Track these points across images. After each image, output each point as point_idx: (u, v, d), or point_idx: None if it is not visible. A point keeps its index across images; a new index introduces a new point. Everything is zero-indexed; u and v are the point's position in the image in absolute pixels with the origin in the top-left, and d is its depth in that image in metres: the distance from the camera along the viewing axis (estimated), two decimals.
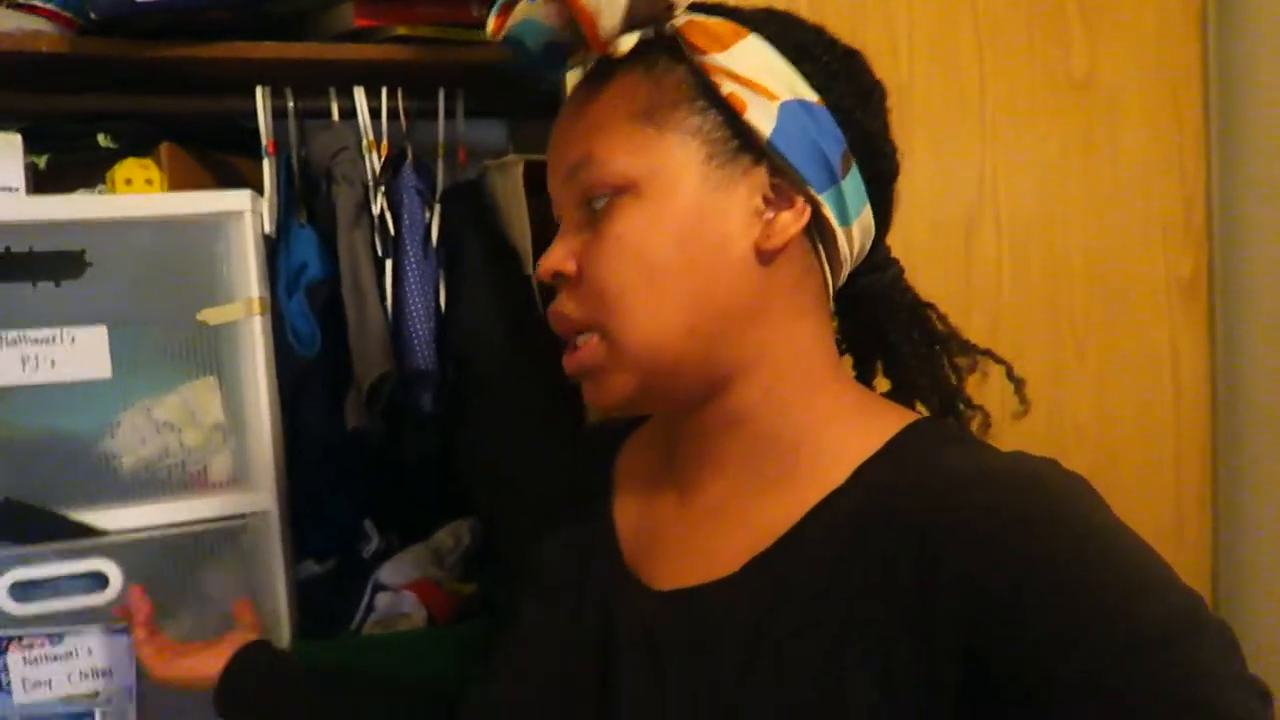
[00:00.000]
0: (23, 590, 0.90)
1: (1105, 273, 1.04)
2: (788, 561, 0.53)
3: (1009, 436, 0.58)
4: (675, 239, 0.54)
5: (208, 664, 0.83)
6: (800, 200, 0.55)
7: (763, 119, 0.53)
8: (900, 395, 0.65)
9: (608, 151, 0.55)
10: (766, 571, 0.53)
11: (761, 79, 0.54)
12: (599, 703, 0.56)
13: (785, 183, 0.55)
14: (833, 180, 0.55)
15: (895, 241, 0.64)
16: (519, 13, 0.57)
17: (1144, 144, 1.04)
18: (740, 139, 0.54)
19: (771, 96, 0.54)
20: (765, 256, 0.55)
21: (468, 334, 1.05)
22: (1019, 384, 0.65)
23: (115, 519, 0.93)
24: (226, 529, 0.98)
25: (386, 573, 1.09)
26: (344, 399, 1.03)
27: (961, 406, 0.65)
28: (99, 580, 0.92)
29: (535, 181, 1.06)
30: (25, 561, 0.90)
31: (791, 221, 0.54)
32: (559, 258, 0.57)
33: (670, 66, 0.55)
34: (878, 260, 0.63)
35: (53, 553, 0.91)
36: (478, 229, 1.11)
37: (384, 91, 1.09)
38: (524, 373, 1.07)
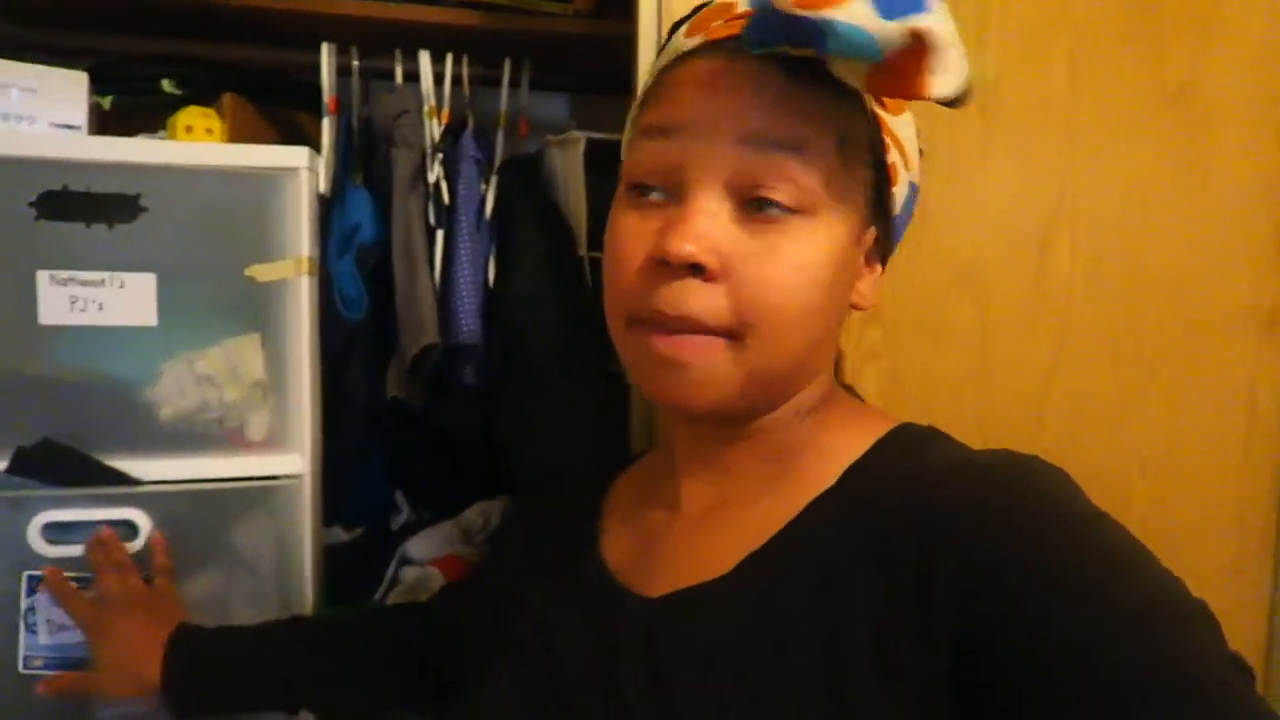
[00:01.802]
0: (54, 532, 0.89)
1: (1185, 297, 0.99)
2: (781, 558, 0.53)
3: (1069, 459, 0.55)
4: (830, 274, 0.53)
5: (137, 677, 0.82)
6: (880, 268, 0.59)
7: (899, 196, 0.57)
8: None
9: (816, 160, 0.51)
10: (761, 569, 0.53)
11: (910, 154, 0.57)
12: (602, 711, 0.55)
13: (877, 250, 0.58)
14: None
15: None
16: (854, 14, 0.45)
17: (1240, 163, 0.98)
18: (879, 203, 0.56)
19: (908, 172, 0.57)
20: (855, 307, 0.59)
21: (516, 310, 1.03)
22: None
23: (150, 469, 0.92)
24: (259, 488, 0.97)
25: (414, 546, 1.07)
26: (387, 366, 1.02)
27: None
28: (129, 528, 0.91)
29: (596, 160, 1.04)
30: (58, 503, 0.89)
31: (878, 286, 0.59)
32: (704, 247, 0.50)
33: (859, 108, 0.54)
34: None
35: (86, 498, 0.90)
36: (533, 204, 1.09)
37: (449, 57, 1.07)
38: (570, 354, 1.05)
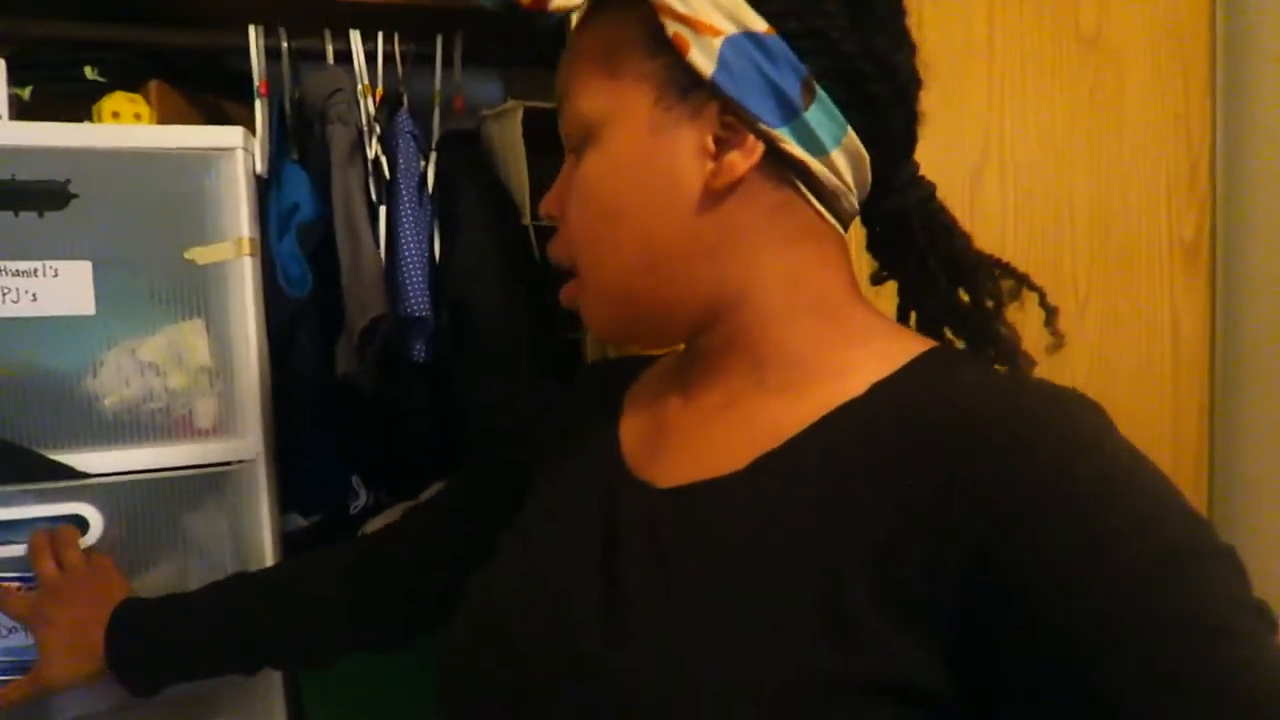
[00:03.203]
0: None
1: (1111, 232, 1.03)
2: (795, 461, 0.52)
3: None
4: (627, 183, 0.55)
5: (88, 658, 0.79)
6: (751, 138, 0.53)
7: (705, 58, 0.52)
8: (925, 324, 0.64)
9: (574, 97, 0.57)
10: (773, 470, 0.52)
11: (705, 15, 0.52)
12: (601, 591, 0.54)
13: (736, 120, 0.53)
14: (793, 113, 0.53)
15: None
16: None
17: (1150, 103, 1.03)
18: (689, 80, 0.53)
19: (715, 33, 0.52)
20: (719, 195, 0.54)
21: (463, 281, 1.03)
22: (1052, 312, 0.64)
23: (97, 462, 0.90)
24: (211, 476, 0.95)
25: (373, 528, 1.06)
26: (335, 345, 1.01)
27: (996, 337, 0.62)
28: (79, 524, 0.89)
29: (534, 129, 1.04)
30: (2, 502, 0.86)
31: (740, 160, 0.53)
32: (549, 200, 0.61)
33: (626, 10, 0.55)
34: (899, 182, 0.61)
35: (30, 493, 0.87)
36: (474, 176, 1.09)
37: (379, 35, 1.07)
38: (519, 322, 1.05)
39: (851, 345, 0.56)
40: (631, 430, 0.64)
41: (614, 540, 0.56)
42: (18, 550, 0.87)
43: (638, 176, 0.55)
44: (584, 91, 0.57)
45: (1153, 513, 0.43)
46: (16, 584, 0.87)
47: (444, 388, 1.07)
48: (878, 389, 0.53)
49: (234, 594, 0.83)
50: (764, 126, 0.53)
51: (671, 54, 0.53)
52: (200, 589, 0.84)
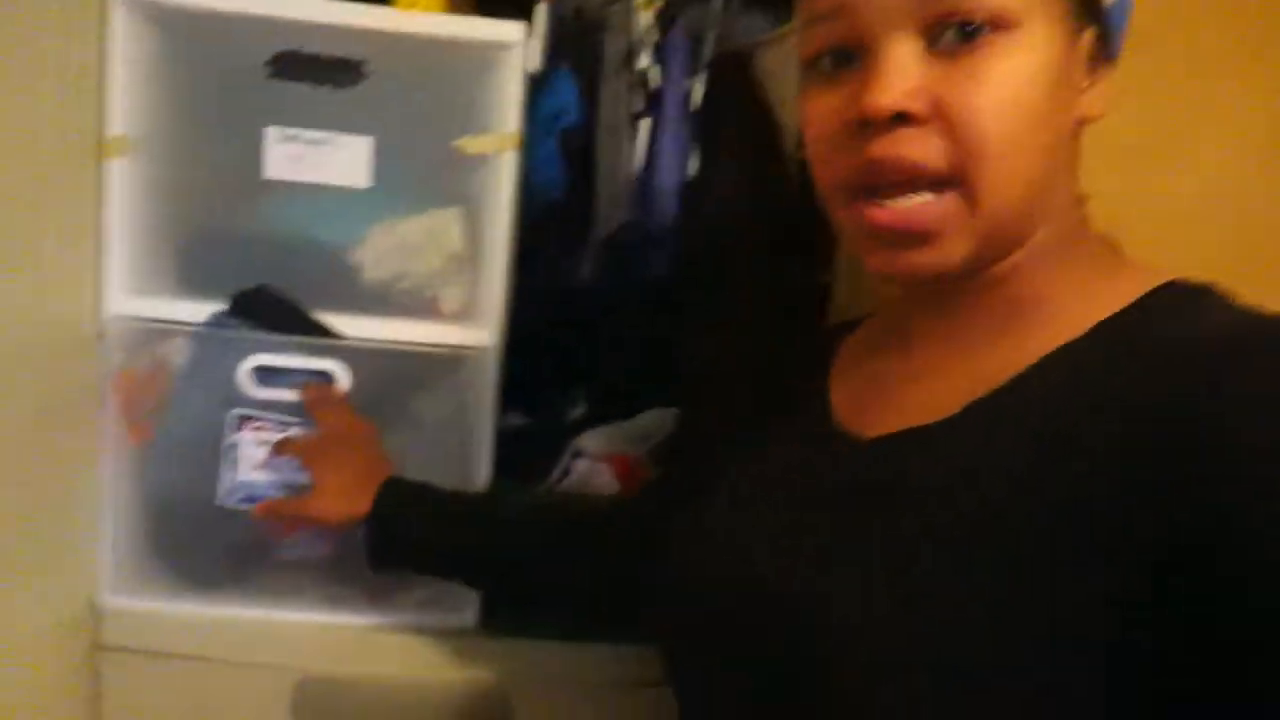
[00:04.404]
0: (262, 375, 0.94)
1: None
2: (1009, 406, 0.49)
3: None
4: (1047, 90, 0.49)
5: (352, 503, 0.86)
6: (1106, 71, 0.53)
7: None
8: None
9: None
10: (984, 416, 0.50)
11: None
12: (800, 541, 0.54)
13: (1099, 51, 0.52)
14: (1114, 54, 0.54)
15: None
16: None
17: None
18: (1087, 2, 0.51)
19: None
20: (1078, 123, 0.53)
21: (716, 206, 1.00)
22: None
23: (351, 326, 0.96)
24: (448, 358, 0.98)
25: (588, 440, 1.07)
26: (578, 252, 1.02)
27: None
28: (328, 379, 0.95)
29: None
30: (268, 348, 0.94)
31: (1108, 92, 0.53)
32: (904, 92, 0.48)
33: None
34: None
35: (293, 345, 0.94)
36: (741, 101, 1.06)
37: None
38: (770, 256, 1.02)
39: (1087, 278, 0.53)
40: (841, 387, 0.63)
41: (816, 491, 0.56)
42: (280, 395, 0.94)
43: (1055, 86, 0.49)
44: None
45: None
46: (272, 426, 0.95)
47: (676, 313, 1.06)
48: (1103, 328, 0.50)
49: (495, 524, 0.87)
50: (1107, 63, 0.53)
51: None
52: (461, 497, 0.89)
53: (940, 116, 0.48)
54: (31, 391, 0.84)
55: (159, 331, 0.94)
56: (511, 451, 1.04)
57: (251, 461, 0.94)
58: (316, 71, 0.94)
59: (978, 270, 0.53)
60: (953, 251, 0.51)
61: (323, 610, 0.98)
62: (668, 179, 1.00)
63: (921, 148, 0.49)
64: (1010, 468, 0.47)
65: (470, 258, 0.99)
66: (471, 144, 0.96)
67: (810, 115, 0.54)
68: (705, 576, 0.59)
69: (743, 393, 0.77)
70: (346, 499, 0.86)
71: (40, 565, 0.89)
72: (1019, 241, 0.53)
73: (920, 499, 0.50)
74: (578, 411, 1.08)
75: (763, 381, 0.75)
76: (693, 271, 1.03)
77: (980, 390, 0.51)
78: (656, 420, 1.11)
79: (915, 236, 0.50)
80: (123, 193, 0.93)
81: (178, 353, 0.97)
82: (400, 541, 0.85)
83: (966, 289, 0.54)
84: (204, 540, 0.98)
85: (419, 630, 0.99)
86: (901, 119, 0.48)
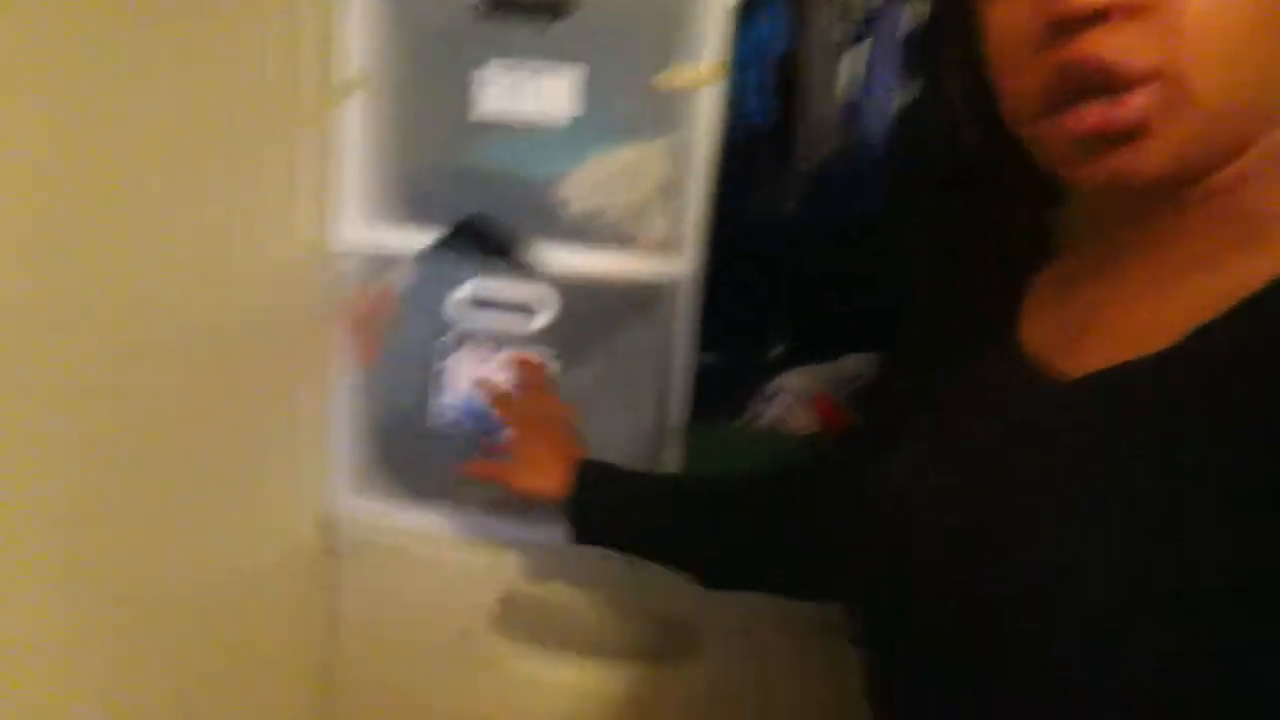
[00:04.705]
0: (473, 303, 0.99)
1: None
2: (1237, 335, 0.44)
3: None
4: None
5: (548, 480, 0.89)
6: None
7: None
8: None
9: None
10: (1207, 345, 0.44)
11: None
12: (996, 488, 0.50)
13: None
14: None
15: None
16: None
17: None
18: None
19: None
20: None
21: (931, 135, 0.94)
22: None
23: (555, 258, 0.98)
24: (647, 291, 0.99)
25: (787, 379, 1.04)
26: (781, 184, 0.99)
27: None
28: (533, 309, 0.98)
29: None
30: (480, 276, 0.98)
31: None
32: None
33: None
34: None
35: (502, 274, 0.98)
36: (956, 30, 0.98)
37: None
38: (982, 192, 0.94)
39: None
40: (1036, 325, 0.59)
41: (1012, 436, 0.52)
42: (489, 322, 0.98)
43: None
44: None
45: None
46: (485, 351, 0.99)
47: (883, 250, 1.01)
48: None
49: (695, 502, 0.87)
50: None
51: None
52: (656, 479, 0.91)
53: (1146, 8, 0.44)
54: (275, 310, 0.93)
55: (385, 259, 1.00)
56: (708, 388, 1.03)
57: (460, 386, 0.99)
58: (526, 9, 0.96)
59: (1196, 177, 0.47)
60: (1166, 148, 0.45)
61: (526, 529, 1.03)
62: (879, 108, 0.95)
63: (1125, 44, 0.44)
64: (1235, 399, 0.42)
65: (672, 190, 0.98)
66: (675, 76, 0.95)
67: (994, 23, 0.51)
68: (891, 530, 0.57)
69: (942, 334, 0.72)
70: (544, 476, 0.89)
71: (278, 473, 0.99)
72: (1241, 145, 0.46)
73: (1133, 439, 0.45)
74: (776, 351, 1.06)
75: (962, 322, 0.70)
76: (902, 206, 0.98)
77: (1202, 316, 0.46)
78: (858, 364, 1.06)
79: (1123, 135, 0.45)
80: (355, 128, 0.99)
81: (401, 279, 1.03)
82: (601, 524, 0.88)
83: (1185, 200, 0.49)
84: (421, 455, 1.04)
85: (615, 557, 1.02)
86: (1102, 15, 0.44)
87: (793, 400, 1.03)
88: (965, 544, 0.50)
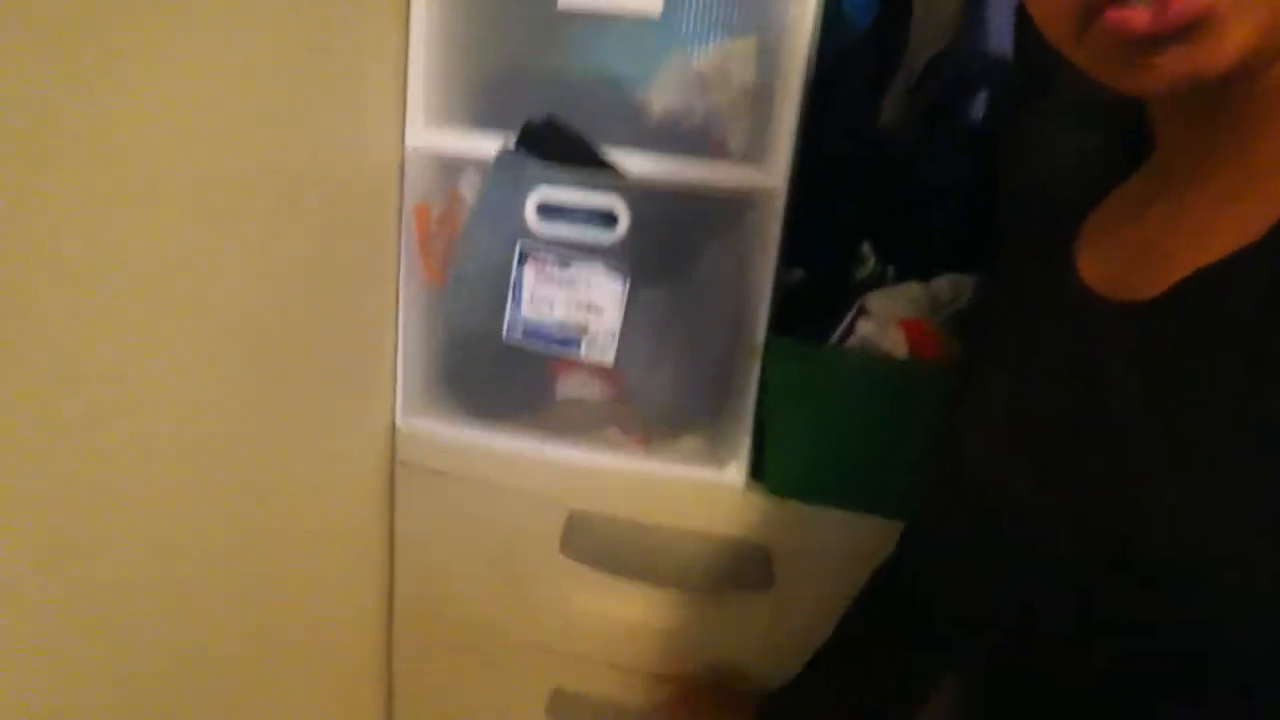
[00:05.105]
0: (546, 211, 0.94)
1: None
2: None
3: None
4: None
5: None
6: None
7: None
8: None
9: None
10: None
11: None
12: (1086, 435, 0.49)
13: None
14: None
15: None
16: None
17: None
18: None
19: None
20: None
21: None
22: None
23: (634, 164, 0.92)
24: (732, 202, 0.93)
25: (877, 300, 0.98)
26: (884, 90, 0.91)
27: None
28: (609, 220, 0.93)
29: None
30: (553, 183, 0.93)
31: None
32: None
33: None
34: None
35: (576, 180, 0.93)
36: None
37: None
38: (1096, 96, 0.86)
39: None
40: (1098, 263, 0.55)
41: (1096, 375, 0.49)
42: (563, 231, 0.93)
43: None
44: None
45: None
46: (554, 262, 0.95)
47: (990, 166, 0.93)
48: None
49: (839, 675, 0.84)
50: None
51: None
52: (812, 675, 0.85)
53: None
54: (347, 217, 0.89)
55: (454, 165, 0.95)
56: (794, 306, 0.98)
57: (534, 297, 0.95)
58: None
59: (1264, 68, 0.43)
60: (1235, 35, 0.41)
61: (596, 450, 1.00)
62: (997, 8, 0.86)
63: None
64: None
65: (764, 94, 0.91)
66: None
67: None
68: (972, 501, 0.56)
69: (1033, 260, 0.67)
70: None
71: (349, 387, 0.96)
72: None
73: (1224, 352, 0.42)
74: (866, 270, 0.99)
75: (1044, 251, 0.65)
76: (1015, 122, 0.90)
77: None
78: (950, 286, 0.99)
79: (1186, 29, 0.41)
80: (425, 27, 0.93)
81: (471, 187, 0.98)
82: None
83: (1261, 93, 0.44)
84: (490, 372, 1.01)
85: (686, 481, 0.98)
86: None
87: (880, 324, 0.96)
88: (1061, 498, 0.48)
